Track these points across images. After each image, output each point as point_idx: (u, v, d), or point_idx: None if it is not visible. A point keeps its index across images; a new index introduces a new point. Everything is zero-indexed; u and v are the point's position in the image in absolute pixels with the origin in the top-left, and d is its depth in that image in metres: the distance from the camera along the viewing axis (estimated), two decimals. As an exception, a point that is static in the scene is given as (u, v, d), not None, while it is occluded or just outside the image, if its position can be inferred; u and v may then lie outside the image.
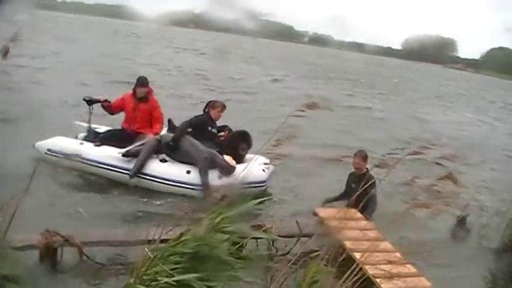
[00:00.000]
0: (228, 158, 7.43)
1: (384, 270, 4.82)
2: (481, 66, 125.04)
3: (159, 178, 7.32)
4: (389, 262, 4.98)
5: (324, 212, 6.11)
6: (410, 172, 6.56)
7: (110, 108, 7.95)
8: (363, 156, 6.77)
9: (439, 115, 22.44)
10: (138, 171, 7.30)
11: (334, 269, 4.08)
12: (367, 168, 6.66)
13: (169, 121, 8.02)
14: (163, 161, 7.55)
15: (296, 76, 30.79)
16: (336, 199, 6.91)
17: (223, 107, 7.93)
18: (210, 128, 7.78)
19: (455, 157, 3.89)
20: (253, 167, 7.20)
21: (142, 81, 7.83)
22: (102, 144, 7.67)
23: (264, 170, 7.51)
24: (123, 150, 7.44)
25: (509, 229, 7.03)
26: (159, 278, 3.56)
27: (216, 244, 3.82)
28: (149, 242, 3.90)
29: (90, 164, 7.51)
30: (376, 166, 3.98)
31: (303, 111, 3.97)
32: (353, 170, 6.90)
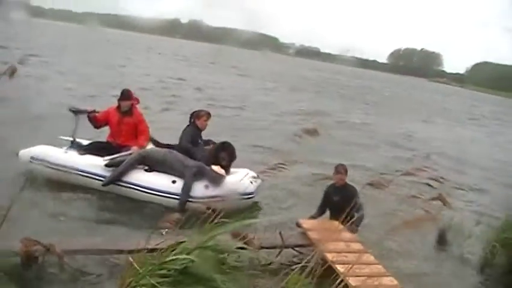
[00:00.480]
0: (216, 168, 7.32)
1: (366, 283, 4.86)
2: (466, 81, 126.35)
3: (143, 187, 7.17)
4: (372, 275, 5.03)
5: (307, 224, 6.13)
6: (402, 189, 6.62)
7: (95, 120, 7.79)
8: (346, 170, 6.58)
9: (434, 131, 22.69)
10: (113, 181, 7.18)
11: (315, 281, 4.10)
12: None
13: (152, 139, 7.99)
14: (148, 170, 7.39)
15: (287, 89, 30.68)
16: (319, 214, 6.70)
17: (208, 115, 7.82)
18: (200, 141, 7.75)
19: (443, 178, 3.93)
20: (242, 179, 7.43)
21: (125, 95, 7.73)
22: (87, 153, 7.54)
23: (252, 183, 7.46)
24: (107, 158, 7.34)
25: (490, 244, 7.08)
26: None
27: (203, 260, 3.85)
28: (132, 252, 3.90)
29: (74, 173, 7.30)
30: (369, 184, 3.99)
31: (301, 136, 4.03)
32: (331, 183, 6.70)
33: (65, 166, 7.32)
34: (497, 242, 6.87)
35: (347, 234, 6.10)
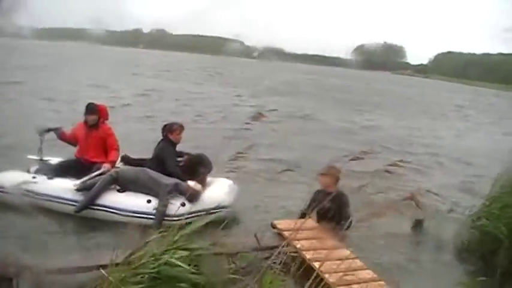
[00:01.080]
0: (192, 184, 7.03)
1: (344, 277, 4.87)
2: (430, 71, 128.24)
3: (117, 209, 6.82)
4: (349, 269, 5.04)
5: (282, 224, 6.12)
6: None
7: (64, 137, 7.64)
8: (332, 174, 6.44)
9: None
10: (86, 206, 6.83)
11: (292, 279, 4.09)
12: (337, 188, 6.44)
13: (124, 157, 7.76)
14: (120, 191, 7.05)
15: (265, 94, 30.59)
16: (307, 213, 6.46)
17: (182, 128, 7.62)
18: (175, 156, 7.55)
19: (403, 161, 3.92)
20: (219, 191, 7.27)
21: (91, 109, 7.54)
22: (56, 176, 7.19)
23: (229, 193, 7.34)
24: (78, 182, 7.01)
25: (464, 230, 7.17)
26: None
27: (175, 262, 3.80)
28: (105, 266, 3.83)
29: (44, 199, 6.92)
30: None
31: (249, 123, 4.01)
32: (319, 188, 6.60)
33: (34, 192, 6.97)
34: (473, 228, 6.95)
35: (322, 232, 6.13)
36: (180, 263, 3.84)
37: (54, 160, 7.67)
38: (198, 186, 7.04)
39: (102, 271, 3.78)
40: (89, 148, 7.53)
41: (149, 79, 33.99)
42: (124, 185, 7.04)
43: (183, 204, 6.79)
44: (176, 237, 4.08)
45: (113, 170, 7.20)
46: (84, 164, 7.45)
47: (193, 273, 3.91)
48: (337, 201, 6.10)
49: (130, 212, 6.80)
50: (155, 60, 59.84)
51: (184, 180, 7.08)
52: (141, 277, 3.70)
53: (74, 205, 6.86)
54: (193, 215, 6.44)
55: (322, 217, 6.25)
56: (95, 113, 7.54)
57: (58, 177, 7.21)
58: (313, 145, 14.50)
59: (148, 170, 7.10)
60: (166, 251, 3.89)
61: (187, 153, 7.76)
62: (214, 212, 6.75)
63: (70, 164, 7.52)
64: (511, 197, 6.81)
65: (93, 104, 7.64)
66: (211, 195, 7.10)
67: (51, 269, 4.78)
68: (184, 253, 3.99)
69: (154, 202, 6.79)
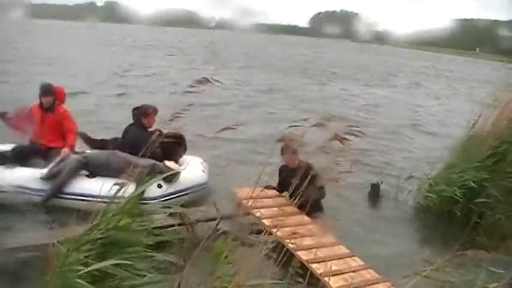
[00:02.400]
0: (170, 164, 6.56)
1: (303, 242, 4.98)
2: (385, 38, 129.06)
3: (88, 196, 5.99)
4: (306, 234, 5.17)
5: (241, 192, 6.13)
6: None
7: (13, 123, 6.97)
8: (291, 150, 6.18)
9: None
10: (54, 195, 6.32)
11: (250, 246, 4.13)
12: (299, 160, 6.22)
13: (82, 135, 7.19)
14: (90, 176, 6.51)
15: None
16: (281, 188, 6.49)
17: (156, 111, 6.89)
18: None
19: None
20: (194, 170, 7.00)
21: (46, 90, 6.87)
22: (15, 165, 6.58)
23: (204, 171, 7.12)
24: (43, 171, 6.43)
25: (421, 190, 7.36)
26: (74, 268, 3.50)
27: (124, 227, 3.81)
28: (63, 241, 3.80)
29: (6, 191, 6.24)
30: (280, 140, 3.96)
31: (194, 86, 4.00)
32: (283, 164, 6.43)
33: None
34: (430, 193, 7.19)
35: (280, 199, 6.19)
36: (130, 223, 3.88)
37: (4, 147, 6.96)
38: (175, 166, 6.63)
39: (55, 242, 3.73)
40: (45, 132, 6.91)
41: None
42: (94, 170, 6.53)
43: (159, 186, 6.37)
44: (124, 203, 4.04)
45: (81, 155, 6.72)
46: (40, 149, 6.92)
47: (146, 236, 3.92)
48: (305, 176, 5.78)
49: (102, 197, 5.97)
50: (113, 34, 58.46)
51: (161, 160, 6.57)
52: (92, 244, 3.67)
53: (39, 195, 6.33)
54: (171, 196, 6.33)
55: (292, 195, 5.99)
56: (50, 94, 6.90)
57: (12, 165, 6.60)
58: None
59: (119, 152, 6.55)
60: (113, 215, 3.86)
61: (159, 131, 6.77)
62: (192, 192, 6.65)
63: (25, 150, 6.95)
64: (466, 162, 7.01)
65: (48, 84, 7.01)
66: (187, 175, 6.72)
67: (9, 247, 4.75)
68: (134, 218, 3.99)
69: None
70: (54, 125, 6.93)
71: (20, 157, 6.78)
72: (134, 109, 6.96)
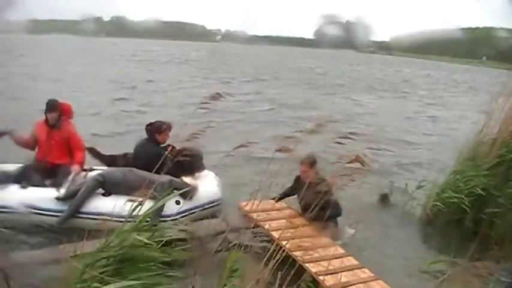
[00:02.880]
0: (188, 180, 6.42)
1: (312, 255, 4.96)
2: (392, 48, 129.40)
3: (105, 215, 5.25)
4: (317, 246, 5.16)
5: (248, 206, 6.14)
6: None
7: (22, 141, 6.75)
8: (310, 162, 6.04)
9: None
10: (72, 216, 6.04)
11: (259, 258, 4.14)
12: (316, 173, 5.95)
13: (92, 150, 7.00)
14: (106, 194, 6.25)
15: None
16: (287, 195, 6.50)
17: (170, 127, 6.66)
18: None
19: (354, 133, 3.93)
20: (210, 185, 6.80)
21: (52, 106, 6.70)
22: (28, 184, 6.29)
23: (218, 186, 6.89)
24: (61, 191, 6.13)
25: (429, 201, 7.32)
26: (91, 285, 3.53)
27: (139, 244, 3.81)
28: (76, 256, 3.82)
29: (22, 212, 5.97)
30: (278, 151, 3.95)
31: (208, 103, 4.03)
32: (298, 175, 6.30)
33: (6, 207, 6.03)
34: (438, 201, 7.12)
35: (287, 211, 6.20)
36: (145, 240, 3.86)
37: (10, 166, 6.69)
38: (194, 182, 6.47)
39: (70, 258, 3.75)
40: (52, 149, 6.71)
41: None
42: (110, 188, 6.24)
43: (177, 203, 6.18)
44: (139, 219, 4.06)
45: (97, 173, 6.40)
46: (47, 167, 6.68)
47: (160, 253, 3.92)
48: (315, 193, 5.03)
49: (120, 217, 5.18)
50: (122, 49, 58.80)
51: (177, 176, 6.34)
52: (107, 260, 3.69)
53: (54, 216, 6.05)
54: (188, 212, 6.23)
55: (305, 209, 5.64)
56: (56, 110, 6.73)
57: (26, 184, 6.30)
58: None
59: (136, 170, 6.25)
60: (128, 232, 3.88)
61: (172, 146, 6.49)
62: (208, 208, 6.52)
63: (33, 169, 6.63)
64: (473, 170, 6.97)
65: (54, 100, 6.81)
66: (203, 190, 6.56)
67: (19, 262, 4.75)
68: (147, 234, 3.99)
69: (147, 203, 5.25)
70: (60, 142, 6.75)
71: (26, 176, 6.50)
72: (148, 125, 6.69)
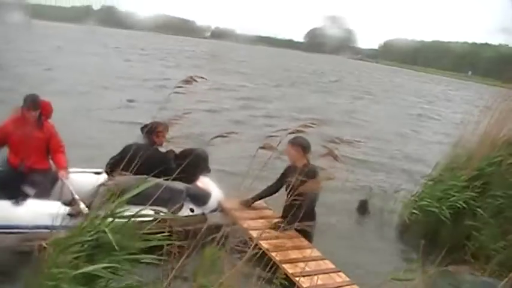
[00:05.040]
0: (201, 185, 6.25)
1: (288, 256, 4.98)
2: (380, 56, 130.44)
3: None
4: (293, 247, 5.23)
5: (229, 202, 6.14)
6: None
7: None
8: (296, 144, 5.68)
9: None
10: None
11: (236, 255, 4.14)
12: (308, 161, 5.71)
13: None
14: None
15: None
16: (266, 195, 6.25)
17: (167, 128, 6.05)
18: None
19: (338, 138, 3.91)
20: (214, 189, 6.51)
21: (33, 103, 5.72)
22: (24, 198, 5.29)
23: (218, 190, 6.54)
24: (71, 208, 5.15)
25: (406, 209, 7.38)
26: (62, 270, 3.48)
27: (114, 230, 3.75)
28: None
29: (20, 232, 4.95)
30: (261, 148, 3.86)
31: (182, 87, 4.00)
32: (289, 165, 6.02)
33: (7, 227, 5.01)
34: (415, 209, 7.18)
35: (266, 211, 6.19)
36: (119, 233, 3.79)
37: None
38: (207, 188, 6.27)
39: (43, 243, 3.74)
40: (31, 152, 5.77)
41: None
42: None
43: (191, 210, 5.98)
44: (114, 205, 3.98)
45: (109, 181, 5.49)
46: (24, 173, 5.76)
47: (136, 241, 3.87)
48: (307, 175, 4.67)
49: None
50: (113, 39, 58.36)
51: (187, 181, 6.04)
52: (81, 246, 3.64)
53: None
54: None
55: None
56: (38, 108, 5.77)
57: (22, 198, 5.27)
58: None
59: (149, 177, 5.26)
60: (104, 218, 3.83)
61: (173, 151, 6.31)
62: (216, 212, 6.25)
63: (6, 175, 5.72)
64: (452, 179, 7.04)
65: (35, 96, 5.83)
66: (214, 196, 6.29)
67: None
68: (122, 221, 3.94)
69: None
70: (41, 144, 5.87)
71: (4, 184, 5.50)
72: (143, 126, 6.15)
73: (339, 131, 13.03)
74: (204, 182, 6.44)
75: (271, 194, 6.21)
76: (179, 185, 5.81)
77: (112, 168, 5.86)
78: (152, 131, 6.06)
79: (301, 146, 5.67)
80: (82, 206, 5.07)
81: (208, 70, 29.64)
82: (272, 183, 6.18)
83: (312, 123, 3.70)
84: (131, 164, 4.99)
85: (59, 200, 5.36)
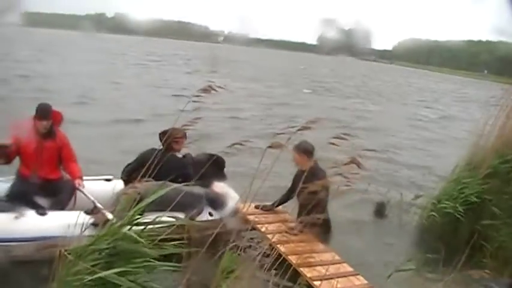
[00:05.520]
0: (219, 188, 6.26)
1: (307, 260, 4.99)
2: (394, 57, 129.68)
3: None
4: (311, 251, 5.22)
5: (246, 206, 6.15)
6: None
7: (5, 156, 5.56)
8: (300, 149, 5.78)
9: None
10: None
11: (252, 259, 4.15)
12: (315, 163, 5.78)
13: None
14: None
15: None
16: (284, 200, 6.34)
17: (185, 135, 6.10)
18: None
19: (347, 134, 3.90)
20: (229, 192, 6.47)
21: (45, 112, 5.65)
22: (45, 209, 5.30)
23: (232, 194, 6.48)
24: (94, 216, 5.06)
25: (425, 211, 7.34)
26: (80, 277, 3.54)
27: (131, 237, 3.81)
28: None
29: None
30: (269, 147, 3.86)
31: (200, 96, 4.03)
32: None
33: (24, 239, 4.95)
34: (434, 211, 7.15)
35: (285, 215, 6.21)
36: (133, 235, 3.84)
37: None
38: (224, 192, 6.28)
39: (62, 249, 3.76)
40: (44, 163, 5.69)
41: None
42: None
43: (210, 214, 6.00)
44: (132, 212, 4.04)
45: (132, 190, 5.01)
46: (40, 184, 5.66)
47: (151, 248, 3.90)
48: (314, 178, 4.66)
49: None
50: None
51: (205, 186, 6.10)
52: (99, 253, 3.69)
53: None
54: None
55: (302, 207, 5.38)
56: (49, 118, 5.68)
57: (43, 209, 5.30)
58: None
59: (169, 183, 5.30)
60: (122, 226, 3.88)
61: (190, 155, 6.38)
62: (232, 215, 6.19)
63: (24, 188, 5.58)
64: (468, 178, 7.01)
65: (47, 105, 5.75)
66: (231, 199, 6.30)
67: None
68: (139, 228, 3.99)
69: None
70: (54, 154, 5.79)
71: (21, 197, 5.42)
72: (162, 133, 6.03)
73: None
74: (220, 186, 6.40)
75: (288, 199, 6.27)
76: (198, 190, 5.88)
77: (129, 174, 5.93)
78: (170, 137, 5.79)
79: (305, 151, 5.77)
80: (108, 214, 4.92)
81: (228, 76, 29.66)
82: (286, 190, 6.28)
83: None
84: (148, 171, 4.86)
85: (76, 209, 5.25)
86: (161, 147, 5.77)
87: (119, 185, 5.87)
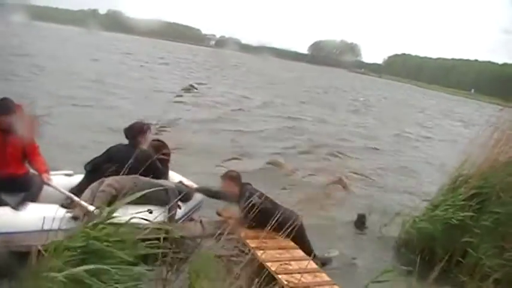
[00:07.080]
0: (186, 181, 6.35)
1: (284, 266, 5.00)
2: (383, 71, 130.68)
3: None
4: (291, 259, 5.25)
5: (227, 212, 6.17)
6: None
7: None
8: (228, 177, 6.05)
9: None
10: None
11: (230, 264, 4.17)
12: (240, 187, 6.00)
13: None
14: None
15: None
16: (209, 194, 6.35)
17: (150, 129, 6.10)
18: None
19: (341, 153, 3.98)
20: (187, 183, 6.50)
21: (6, 107, 5.37)
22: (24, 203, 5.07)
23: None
24: (73, 210, 4.96)
25: (405, 226, 7.37)
26: (52, 274, 3.51)
27: (104, 237, 3.81)
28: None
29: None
30: (268, 163, 3.96)
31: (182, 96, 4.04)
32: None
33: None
34: (413, 229, 7.19)
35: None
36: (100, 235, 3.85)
37: None
38: (191, 184, 6.33)
39: (38, 246, 3.75)
40: (6, 159, 5.44)
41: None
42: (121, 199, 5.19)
43: (179, 207, 5.87)
44: (105, 214, 4.05)
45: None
46: (5, 180, 5.33)
47: (122, 249, 3.87)
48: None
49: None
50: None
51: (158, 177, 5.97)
52: (73, 251, 3.68)
53: None
54: (187, 215, 6.13)
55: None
56: (12, 112, 5.37)
57: (22, 204, 5.07)
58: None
59: (141, 177, 5.65)
60: (95, 225, 3.88)
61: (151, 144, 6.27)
62: (197, 209, 6.43)
63: None
64: (451, 200, 7.06)
65: (8, 100, 5.46)
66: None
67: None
68: (113, 229, 3.97)
69: (157, 211, 5.28)
70: (18, 150, 5.53)
71: None
72: (127, 128, 6.13)
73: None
74: (176, 177, 6.53)
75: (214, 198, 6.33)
76: (168, 183, 5.89)
77: (94, 167, 5.94)
78: (137, 131, 6.09)
79: (230, 178, 6.05)
80: (89, 206, 4.91)
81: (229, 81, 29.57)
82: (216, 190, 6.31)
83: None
84: (115, 165, 5.31)
85: (48, 203, 5.14)
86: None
87: (78, 179, 5.93)
